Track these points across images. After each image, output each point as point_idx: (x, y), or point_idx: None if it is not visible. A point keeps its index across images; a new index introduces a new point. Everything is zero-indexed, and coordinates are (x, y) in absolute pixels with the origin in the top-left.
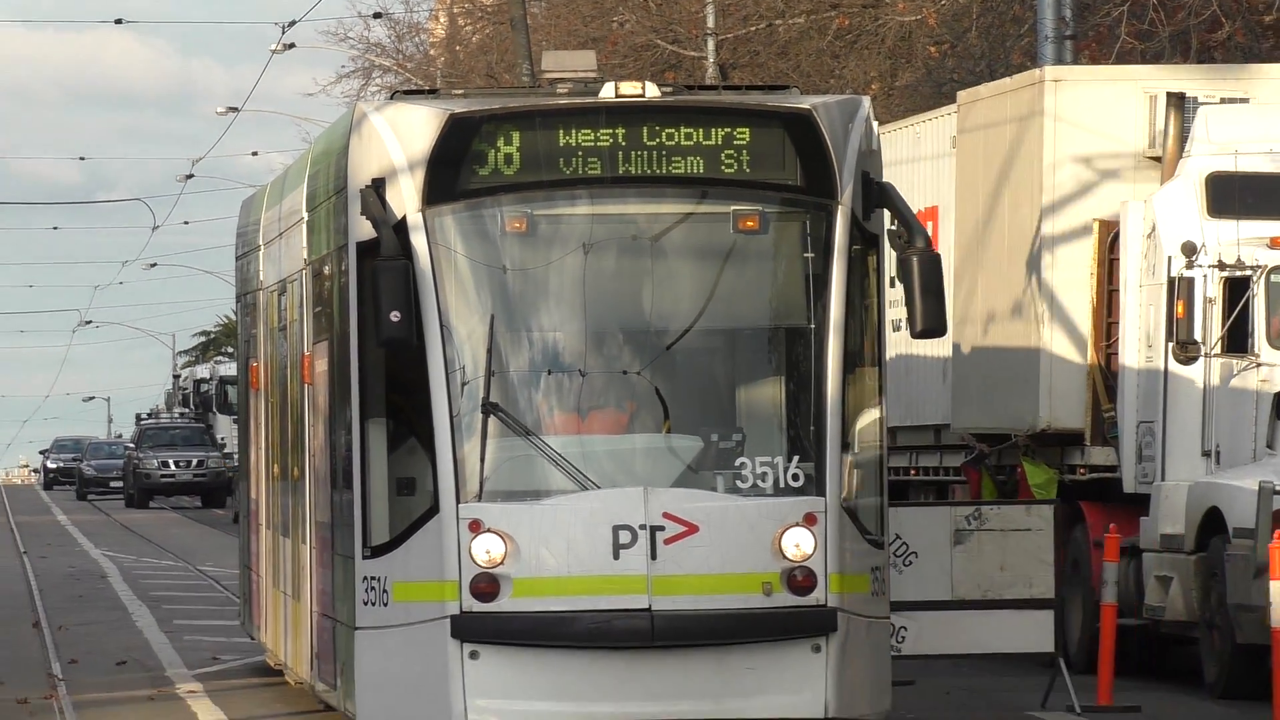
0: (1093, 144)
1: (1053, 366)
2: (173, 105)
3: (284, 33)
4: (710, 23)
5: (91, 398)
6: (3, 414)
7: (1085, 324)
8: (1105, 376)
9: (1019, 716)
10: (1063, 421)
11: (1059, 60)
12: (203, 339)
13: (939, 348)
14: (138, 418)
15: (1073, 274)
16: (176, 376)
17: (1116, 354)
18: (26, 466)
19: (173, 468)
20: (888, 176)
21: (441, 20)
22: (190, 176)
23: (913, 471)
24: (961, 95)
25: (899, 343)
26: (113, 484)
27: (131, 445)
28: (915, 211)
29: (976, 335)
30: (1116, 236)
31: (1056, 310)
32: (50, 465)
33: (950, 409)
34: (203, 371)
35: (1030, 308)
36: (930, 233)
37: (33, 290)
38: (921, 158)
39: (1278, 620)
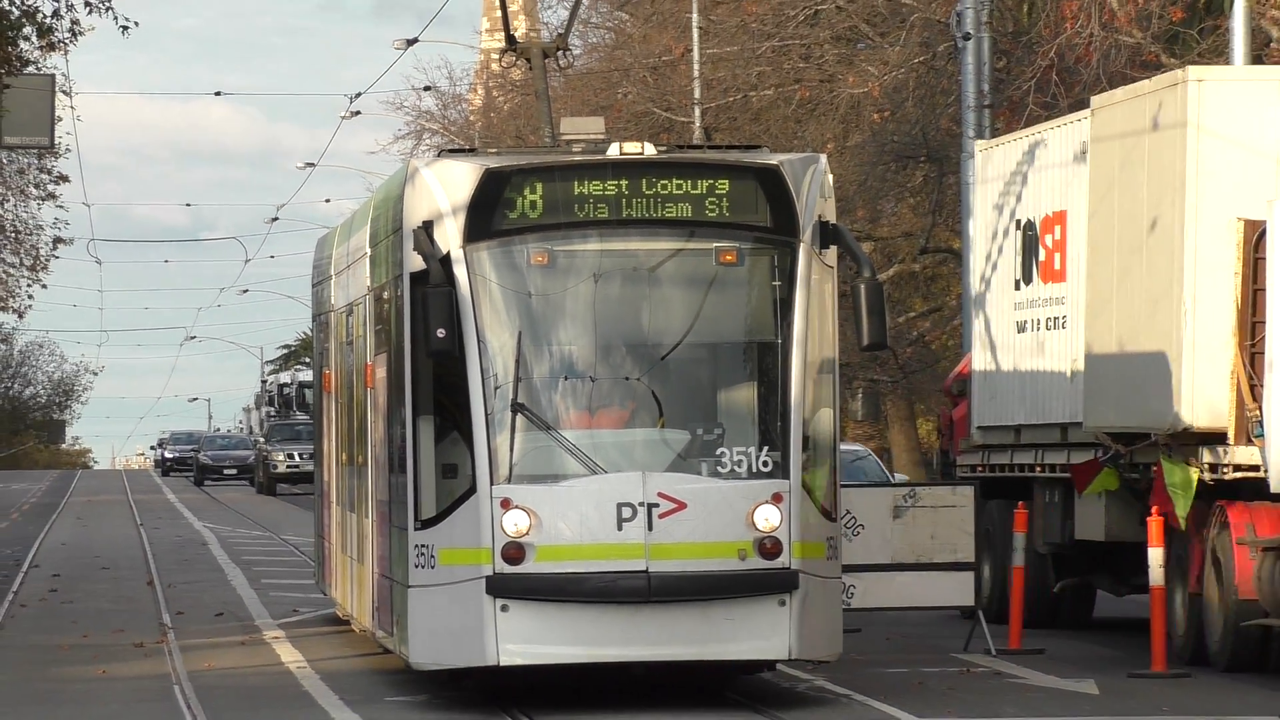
0: (1235, 143)
1: (1195, 366)
2: (261, 161)
3: (351, 102)
4: (697, 94)
5: (195, 399)
6: (123, 412)
7: (1228, 323)
8: (1250, 376)
9: (945, 657)
10: (1205, 421)
11: (978, 126)
12: (285, 351)
13: (1067, 346)
14: (266, 414)
15: (1215, 273)
16: (264, 382)
17: (1261, 353)
18: (143, 455)
19: (297, 459)
20: (1008, 186)
21: (479, 92)
22: (275, 219)
23: (1039, 469)
24: (1096, 100)
25: (1028, 345)
26: (225, 471)
27: (261, 439)
28: (1043, 216)
29: (1112, 335)
30: (1262, 235)
31: (1199, 309)
32: (168, 455)
33: (1080, 407)
34: (285, 378)
35: (1171, 307)
36: (1059, 236)
37: (147, 311)
38: (1049, 165)
39: (1156, 580)
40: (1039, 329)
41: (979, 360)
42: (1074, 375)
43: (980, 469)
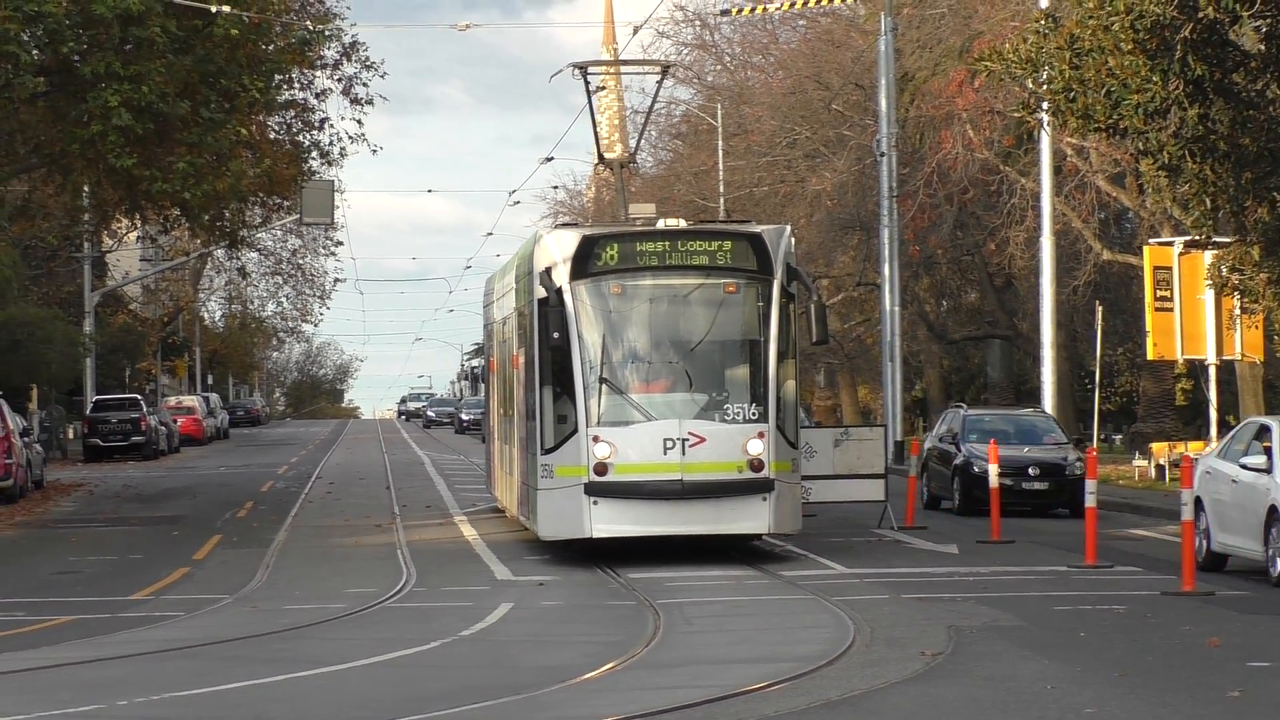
0: None
1: None
2: (460, 231)
3: (510, 195)
4: (721, 189)
5: (422, 376)
6: (379, 384)
7: None
8: None
9: (866, 531)
10: None
11: (889, 210)
12: (475, 346)
13: None
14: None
15: None
16: (462, 366)
17: None
18: (390, 410)
19: (476, 415)
20: None
21: (592, 188)
22: (469, 267)
23: None
24: None
25: None
26: (444, 421)
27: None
28: None
29: None
30: None
31: None
32: (403, 409)
33: None
34: (475, 363)
35: None
36: None
37: (391, 323)
38: None
39: (994, 480)
40: None
41: None
42: None
43: None
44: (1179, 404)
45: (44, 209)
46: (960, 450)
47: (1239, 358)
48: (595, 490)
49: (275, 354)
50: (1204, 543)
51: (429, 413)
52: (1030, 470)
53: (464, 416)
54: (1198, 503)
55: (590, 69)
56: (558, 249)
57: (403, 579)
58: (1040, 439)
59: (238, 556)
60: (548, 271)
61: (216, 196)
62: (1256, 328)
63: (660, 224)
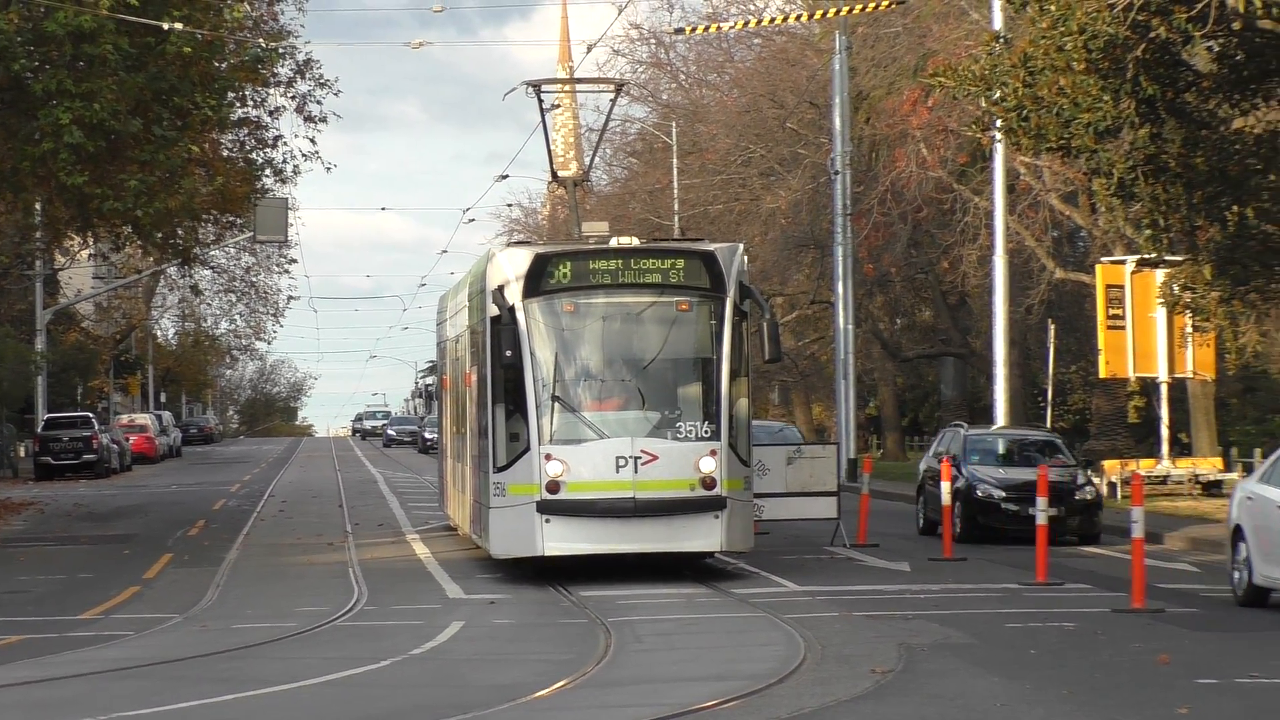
0: None
1: None
2: (414, 250)
3: (465, 213)
4: (676, 208)
5: (377, 393)
6: (332, 402)
7: None
8: None
9: (818, 549)
10: None
11: (843, 228)
12: (429, 364)
13: None
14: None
15: None
16: (416, 383)
17: None
18: (344, 428)
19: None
20: None
21: (547, 206)
22: (423, 284)
23: None
24: None
25: None
26: (404, 440)
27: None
28: None
29: None
30: None
31: None
32: (358, 427)
33: None
34: (430, 380)
35: None
36: None
37: (346, 341)
38: None
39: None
40: None
41: None
42: None
43: None
44: (1131, 421)
45: None
46: (961, 473)
47: (1191, 375)
48: (547, 508)
49: (229, 372)
50: (1244, 575)
51: (389, 431)
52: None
53: (428, 435)
54: (1237, 532)
55: (544, 87)
56: (510, 267)
57: (354, 597)
58: (1046, 460)
59: (189, 575)
60: (500, 289)
61: (169, 214)
62: (1208, 346)
63: (613, 242)
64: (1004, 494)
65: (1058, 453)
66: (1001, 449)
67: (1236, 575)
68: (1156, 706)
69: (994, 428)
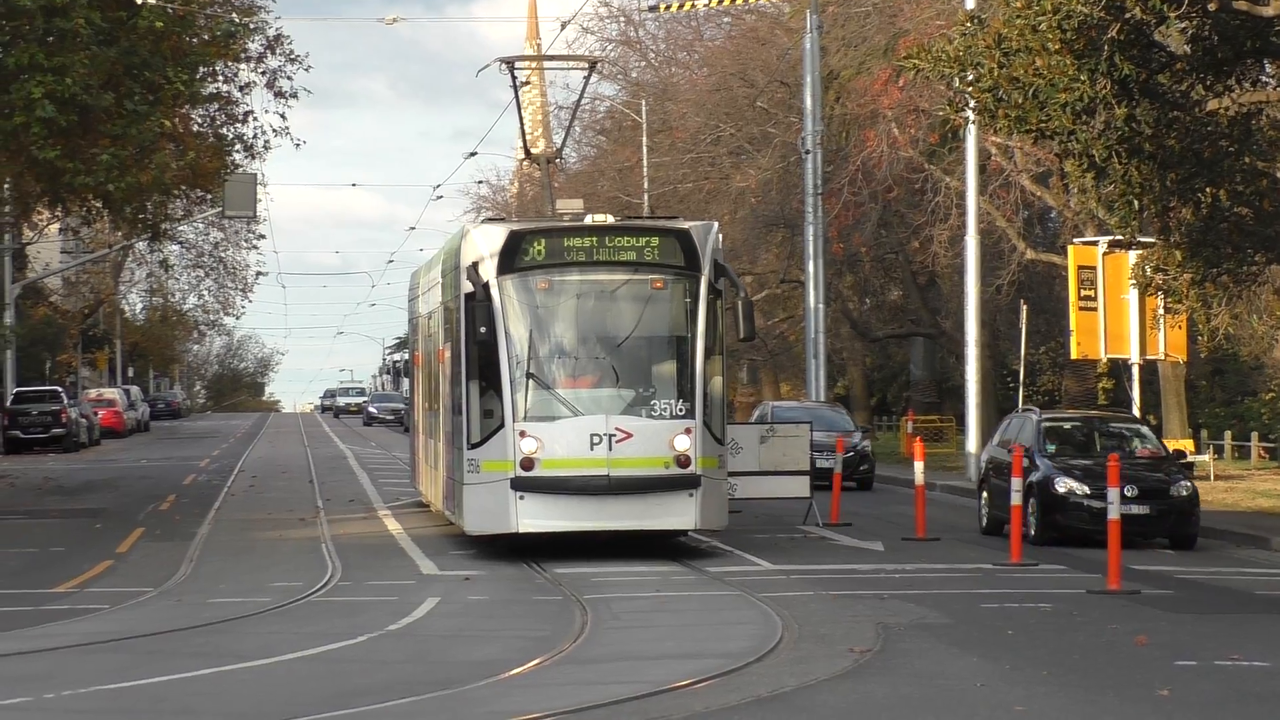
0: None
1: None
2: (382, 227)
3: (434, 190)
4: (645, 186)
5: (344, 370)
6: (299, 378)
7: None
8: None
9: (791, 528)
10: None
11: (814, 208)
12: (397, 340)
13: None
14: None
15: None
16: (384, 359)
17: None
18: (311, 404)
19: None
20: None
21: (515, 184)
22: (391, 261)
23: None
24: None
25: None
26: (386, 418)
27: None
28: None
29: None
30: None
31: None
32: (327, 404)
33: None
34: (397, 357)
35: None
36: None
37: (314, 317)
38: None
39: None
40: None
41: None
42: None
43: None
44: (1101, 403)
45: None
46: (1037, 464)
47: (1162, 357)
48: (522, 485)
49: (196, 347)
50: None
51: (370, 409)
52: (1126, 491)
53: (373, 409)
54: None
55: (517, 65)
56: (485, 244)
57: (328, 573)
58: (1133, 450)
59: (161, 550)
60: (475, 266)
61: (139, 189)
62: (1180, 328)
63: (588, 219)
64: (1088, 489)
65: (1146, 442)
66: (1082, 437)
67: None
68: (1136, 688)
69: (1071, 412)
